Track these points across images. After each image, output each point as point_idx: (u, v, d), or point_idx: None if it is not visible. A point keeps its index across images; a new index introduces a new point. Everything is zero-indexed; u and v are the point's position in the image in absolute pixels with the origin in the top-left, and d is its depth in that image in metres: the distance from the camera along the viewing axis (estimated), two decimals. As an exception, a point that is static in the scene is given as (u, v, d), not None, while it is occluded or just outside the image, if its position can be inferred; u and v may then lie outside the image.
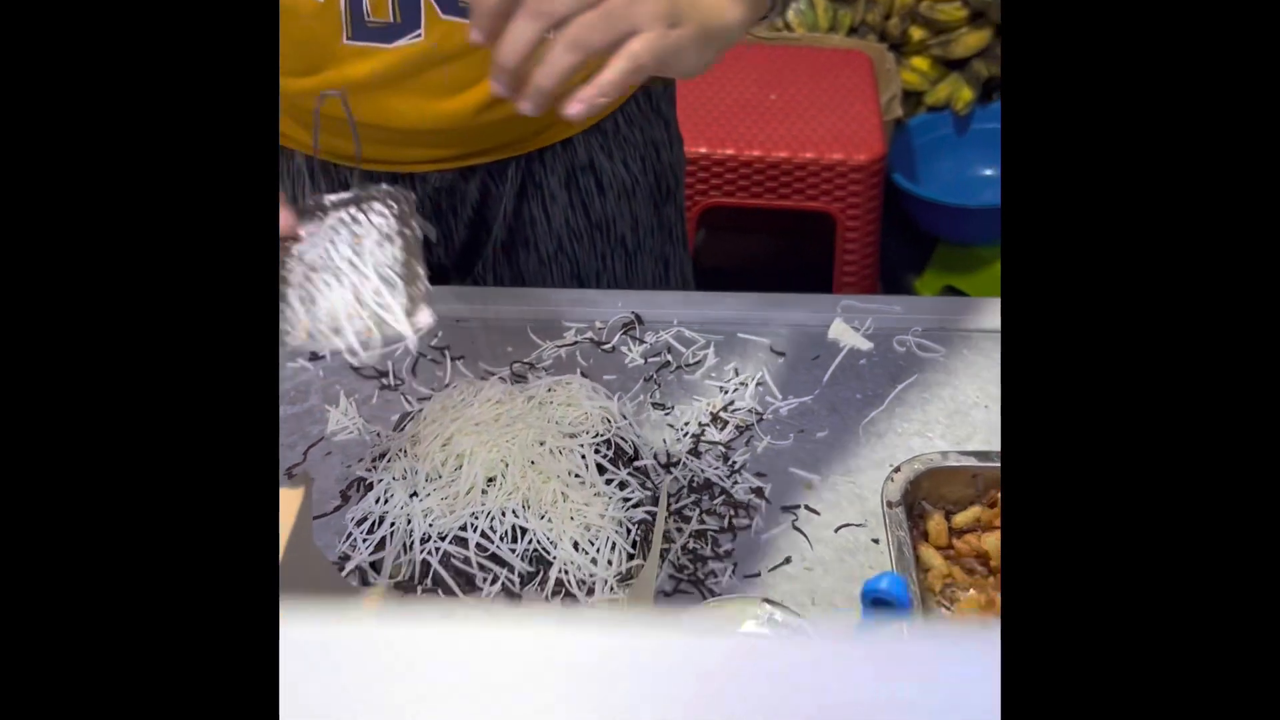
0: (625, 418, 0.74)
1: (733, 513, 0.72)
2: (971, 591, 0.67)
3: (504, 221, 0.86)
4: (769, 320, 0.86)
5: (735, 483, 0.73)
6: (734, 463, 0.75)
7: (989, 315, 0.86)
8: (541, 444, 0.69)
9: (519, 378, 0.79)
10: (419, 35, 0.73)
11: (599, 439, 0.70)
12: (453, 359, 0.83)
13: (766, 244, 1.85)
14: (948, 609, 0.67)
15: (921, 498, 0.70)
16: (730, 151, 1.55)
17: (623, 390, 0.79)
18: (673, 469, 0.74)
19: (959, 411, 0.79)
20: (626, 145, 0.86)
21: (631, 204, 0.88)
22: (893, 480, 0.69)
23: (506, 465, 0.67)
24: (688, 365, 0.83)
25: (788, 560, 0.69)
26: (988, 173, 1.97)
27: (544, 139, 0.83)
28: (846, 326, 0.85)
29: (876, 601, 0.44)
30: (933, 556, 0.69)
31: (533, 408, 0.72)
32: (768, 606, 0.53)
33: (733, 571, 0.68)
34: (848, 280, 1.58)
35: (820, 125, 1.59)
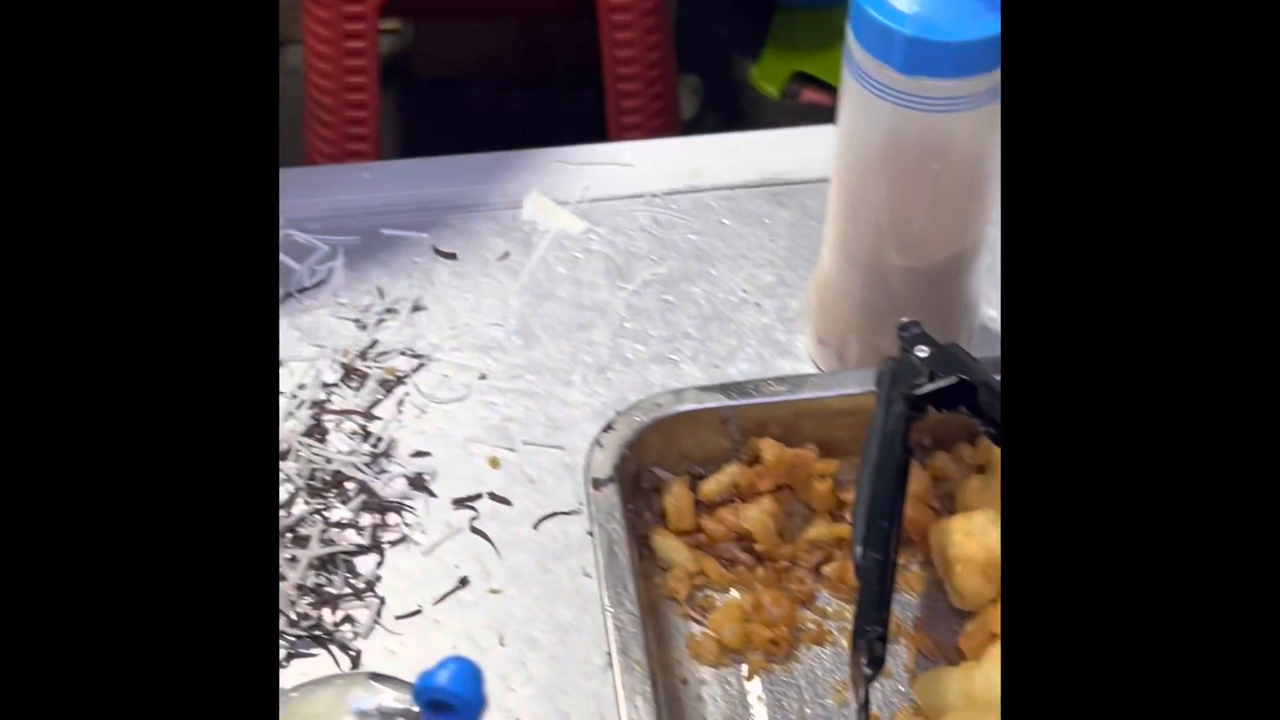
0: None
1: (379, 519, 0.69)
2: (733, 593, 0.67)
3: None
4: (433, 201, 0.83)
5: (381, 471, 0.71)
6: (378, 440, 0.72)
7: (751, 156, 0.84)
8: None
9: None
10: None
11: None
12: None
13: (507, 33, 1.78)
14: (700, 623, 0.67)
15: (651, 462, 0.69)
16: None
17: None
18: (281, 464, 0.70)
19: (718, 316, 0.78)
20: None
21: None
22: (601, 445, 0.67)
23: None
24: (302, 290, 0.79)
25: (464, 583, 0.67)
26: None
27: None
28: (548, 201, 0.82)
29: (435, 704, 0.43)
30: (672, 548, 0.68)
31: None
32: (376, 687, 0.51)
33: (379, 613, 0.66)
34: (628, 86, 1.54)
35: None
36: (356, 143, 1.51)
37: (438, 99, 1.81)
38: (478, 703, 0.44)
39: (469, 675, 0.44)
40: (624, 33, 1.50)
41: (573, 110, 1.79)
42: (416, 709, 0.49)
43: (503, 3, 1.67)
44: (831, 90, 1.89)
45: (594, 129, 1.54)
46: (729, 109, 1.90)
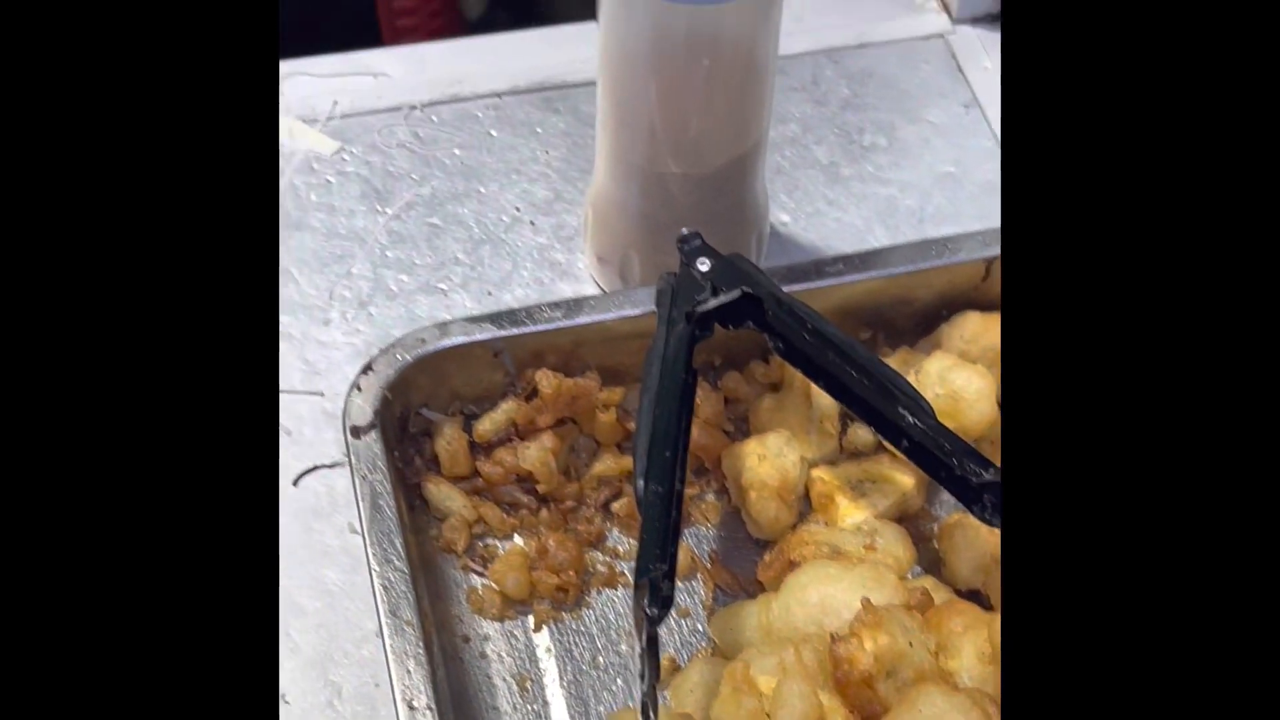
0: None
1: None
2: (517, 540, 0.66)
3: None
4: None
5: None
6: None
7: (520, 59, 0.82)
8: None
9: None
10: None
11: None
12: None
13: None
14: (480, 574, 0.66)
15: (419, 404, 0.68)
16: None
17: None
18: None
19: (490, 238, 0.76)
20: None
21: None
22: (359, 389, 0.65)
23: None
24: None
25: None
26: None
27: None
28: (293, 119, 0.79)
29: None
30: (447, 496, 0.67)
31: None
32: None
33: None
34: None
35: None
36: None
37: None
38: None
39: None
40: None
41: (341, 13, 1.73)
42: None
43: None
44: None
45: (367, 35, 1.49)
46: (522, 5, 1.87)
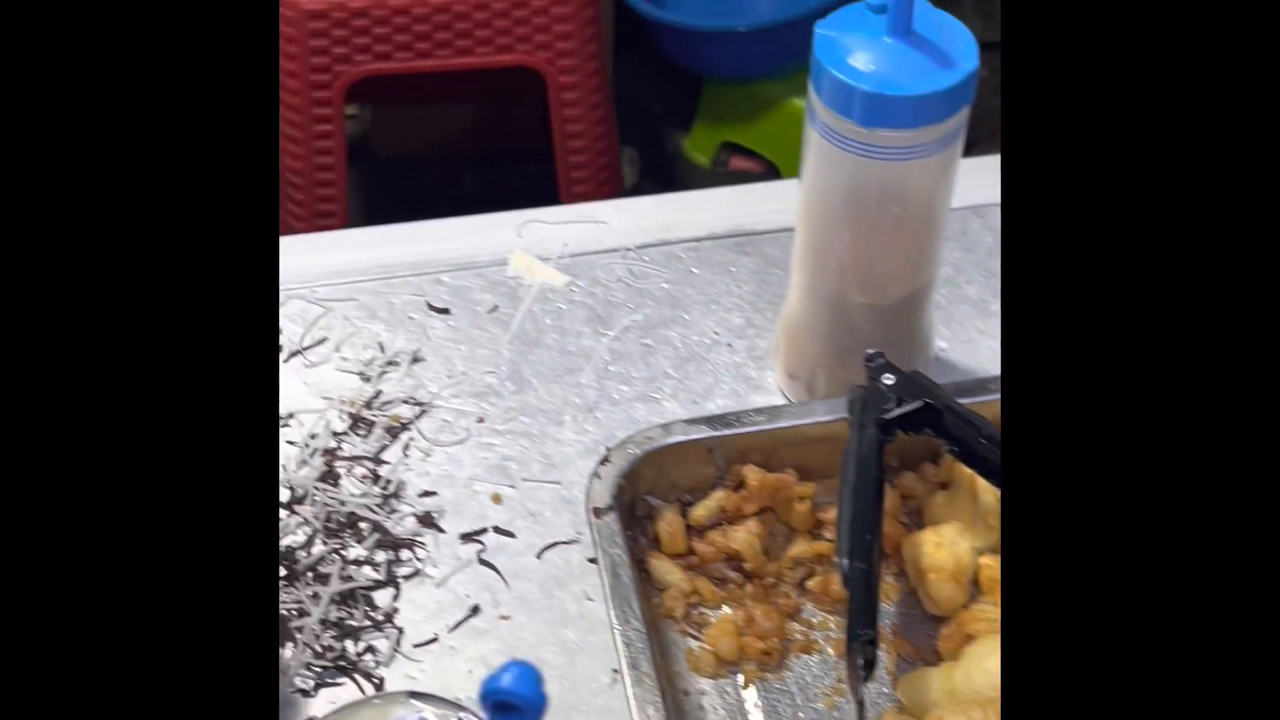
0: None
1: (392, 556, 0.69)
2: (726, 610, 0.68)
3: None
4: (425, 261, 0.83)
5: (392, 511, 0.70)
6: (388, 483, 0.72)
7: (715, 211, 0.86)
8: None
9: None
10: None
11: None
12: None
13: (465, 114, 1.79)
14: (696, 638, 0.67)
15: (645, 491, 0.69)
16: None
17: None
18: (298, 508, 0.70)
19: (694, 356, 0.79)
20: None
21: None
22: (599, 476, 0.68)
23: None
24: (307, 348, 0.78)
25: (475, 611, 0.67)
26: (752, -20, 1.98)
27: None
28: (531, 258, 0.83)
29: (500, 706, 0.42)
30: (668, 570, 0.68)
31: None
32: (415, 705, 0.50)
33: (398, 642, 0.65)
34: (577, 159, 1.55)
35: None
36: (326, 218, 1.51)
37: (397, 177, 1.81)
38: (540, 701, 0.44)
39: (531, 677, 0.43)
40: (572, 109, 1.52)
41: (523, 184, 1.80)
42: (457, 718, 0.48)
43: (455, 88, 1.67)
44: (756, 157, 1.92)
45: (547, 200, 1.55)
46: (664, 177, 1.92)
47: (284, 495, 0.70)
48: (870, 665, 0.58)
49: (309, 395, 0.75)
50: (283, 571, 0.67)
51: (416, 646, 0.65)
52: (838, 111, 0.64)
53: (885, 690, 0.65)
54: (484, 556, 0.69)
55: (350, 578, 0.67)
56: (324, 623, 0.65)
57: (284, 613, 0.65)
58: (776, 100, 1.86)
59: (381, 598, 0.67)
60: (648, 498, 0.70)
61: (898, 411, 0.65)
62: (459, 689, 0.63)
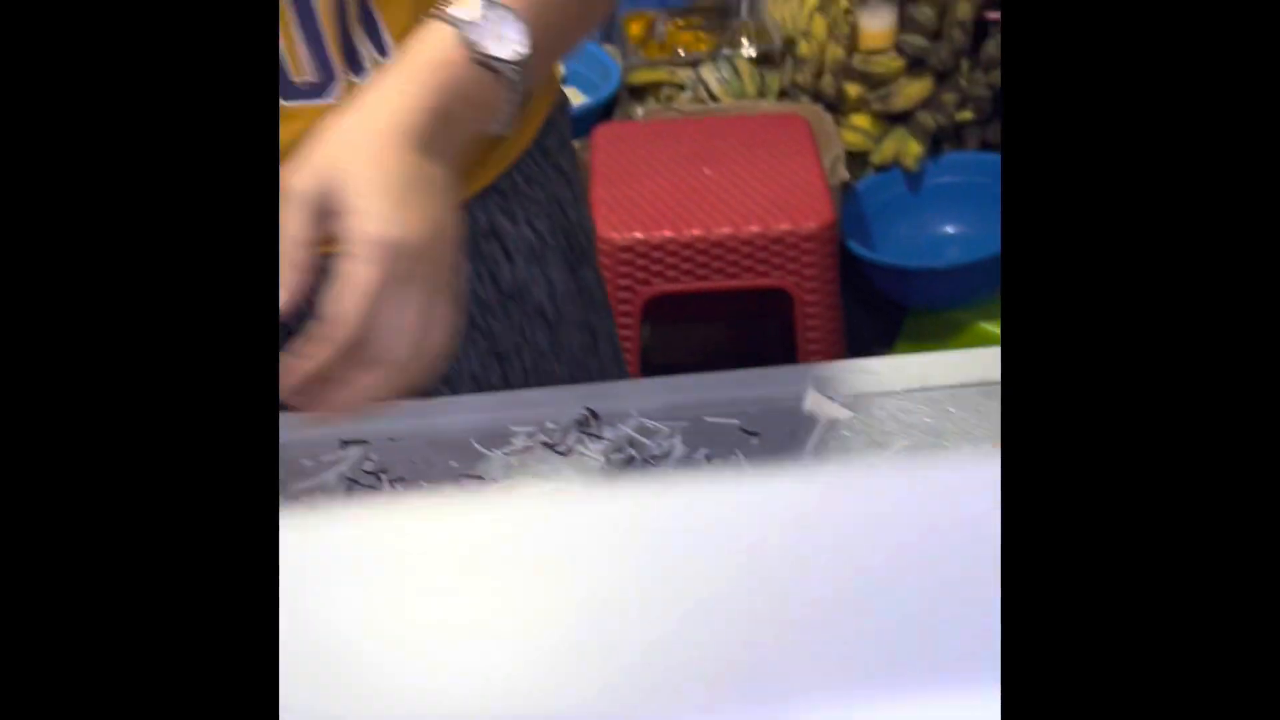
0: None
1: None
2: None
3: None
4: (736, 399, 0.91)
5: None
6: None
7: (970, 368, 0.92)
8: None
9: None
10: (333, 96, 0.82)
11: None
12: (390, 482, 0.86)
13: (721, 331, 1.92)
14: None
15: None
16: (668, 234, 1.63)
17: (585, 493, 0.82)
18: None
19: (955, 473, 0.84)
20: (529, 204, 0.91)
21: (544, 268, 0.93)
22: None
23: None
24: (653, 458, 0.87)
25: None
26: (949, 230, 2.08)
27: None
28: (822, 397, 0.91)
29: None
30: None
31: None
32: None
33: None
34: (814, 359, 1.66)
35: (762, 195, 1.68)
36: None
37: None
38: None
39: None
40: (813, 321, 1.63)
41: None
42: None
43: (717, 310, 1.81)
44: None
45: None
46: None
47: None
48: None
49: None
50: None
51: None
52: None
53: None
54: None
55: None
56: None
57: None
58: (966, 325, 1.95)
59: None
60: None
61: None
62: None
